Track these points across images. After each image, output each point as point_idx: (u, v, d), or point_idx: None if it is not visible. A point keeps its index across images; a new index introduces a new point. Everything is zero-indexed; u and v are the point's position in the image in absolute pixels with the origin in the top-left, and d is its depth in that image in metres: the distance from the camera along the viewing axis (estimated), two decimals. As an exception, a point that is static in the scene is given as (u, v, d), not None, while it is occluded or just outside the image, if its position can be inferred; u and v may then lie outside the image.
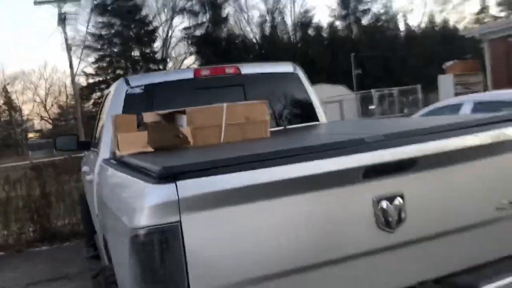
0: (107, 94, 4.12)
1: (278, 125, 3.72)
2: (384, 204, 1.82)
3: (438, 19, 39.09)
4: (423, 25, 37.97)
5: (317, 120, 3.92)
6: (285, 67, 3.93)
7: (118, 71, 32.08)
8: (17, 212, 6.71)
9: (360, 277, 1.85)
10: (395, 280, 1.93)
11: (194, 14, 33.58)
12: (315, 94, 4.01)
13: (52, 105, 47.65)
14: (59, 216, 7.00)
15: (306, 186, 1.72)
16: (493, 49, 15.39)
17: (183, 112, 3.02)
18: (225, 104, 3.11)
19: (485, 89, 15.37)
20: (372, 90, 18.21)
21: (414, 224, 1.88)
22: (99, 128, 4.16)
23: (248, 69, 3.77)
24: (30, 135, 50.63)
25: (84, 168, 4.46)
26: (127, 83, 3.43)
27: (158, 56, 36.21)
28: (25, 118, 50.28)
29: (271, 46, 30.88)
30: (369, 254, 1.84)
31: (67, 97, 44.70)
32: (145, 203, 1.62)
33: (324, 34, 35.57)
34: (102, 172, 2.90)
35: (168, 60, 37.82)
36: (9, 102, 46.94)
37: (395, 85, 22.15)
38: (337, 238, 1.78)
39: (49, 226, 6.80)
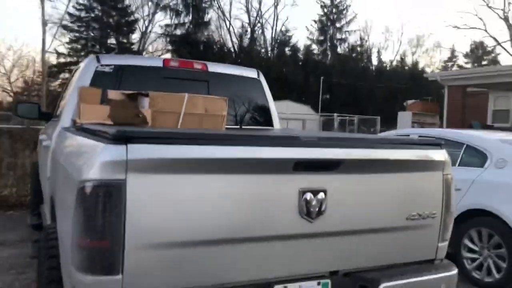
0: (76, 69, 4.25)
1: (235, 124, 3.95)
2: (308, 196, 2.07)
3: (409, 60, 40.76)
4: (394, 63, 39.47)
5: (272, 126, 4.19)
6: (250, 72, 4.18)
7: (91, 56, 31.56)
8: (-36, 175, 6.64)
9: (278, 257, 2.08)
10: (309, 266, 2.18)
11: (177, 13, 33.60)
12: (273, 102, 4.28)
13: (17, 78, 46.12)
14: (7, 185, 6.95)
15: (243, 168, 1.96)
16: (451, 94, 16.27)
17: (147, 95, 3.21)
18: (186, 94, 3.32)
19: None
20: (335, 114, 18.86)
21: (332, 218, 2.13)
22: (63, 100, 4.27)
23: (215, 67, 4.00)
24: (-13, 105, 48.79)
25: (42, 137, 4.55)
26: (98, 60, 3.59)
27: (135, 48, 35.86)
28: (-15, 87, 48.40)
29: (247, 58, 31.22)
30: (289, 238, 2.08)
31: (34, 73, 43.43)
32: (96, 159, 1.81)
33: (300, 55, 36.33)
34: (60, 137, 3.04)
35: (144, 53, 37.48)
36: (-30, 69, 45.16)
37: (359, 114, 22.98)
38: (262, 219, 2.02)
39: (-5, 193, 6.75)
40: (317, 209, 2.10)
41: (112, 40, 34.96)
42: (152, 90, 3.47)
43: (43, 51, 25.22)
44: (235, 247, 1.99)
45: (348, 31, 37.29)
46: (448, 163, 2.48)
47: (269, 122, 4.17)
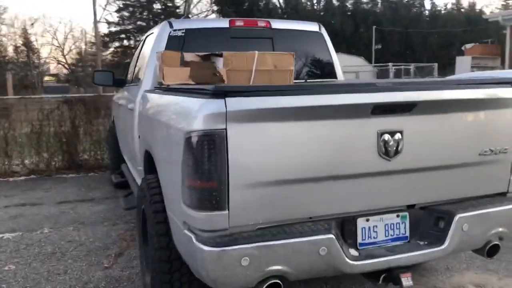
0: (148, 35, 4.54)
1: (299, 78, 4.13)
2: (386, 137, 2.26)
3: (465, 1, 38.46)
4: (449, 6, 37.43)
5: (336, 78, 4.33)
6: (312, 26, 4.30)
7: (140, 23, 32.20)
8: (48, 141, 7.26)
9: (360, 193, 2.31)
10: (389, 201, 2.39)
11: (220, -29, 33.28)
12: (335, 54, 4.40)
13: (70, 50, 47.79)
14: (85, 149, 7.55)
15: (327, 114, 2.17)
16: (515, 35, 15.44)
17: (220, 55, 3.44)
18: (256, 52, 3.52)
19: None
20: (390, 64, 18.43)
21: (408, 156, 2.32)
22: (138, 66, 4.60)
23: (277, 24, 4.15)
24: (46, 78, 51.07)
25: (121, 101, 4.92)
26: (171, 25, 3.84)
27: (180, 11, 36.09)
28: (42, 61, 50.50)
29: (294, 12, 30.71)
30: (369, 175, 2.30)
31: (85, 44, 44.82)
32: (199, 113, 2.07)
33: (348, 5, 35.22)
34: (147, 98, 3.36)
35: (190, 16, 37.66)
36: (27, 43, 47.17)
37: (413, 62, 22.28)
38: (346, 158, 2.24)
39: (76, 156, 7.36)
40: (394, 149, 2.28)
41: (158, 5, 35.36)
42: (220, 50, 3.72)
43: (95, 21, 26.00)
44: (322, 184, 2.23)
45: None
46: (521, 100, 2.57)
47: (333, 74, 4.31)
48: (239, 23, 4.01)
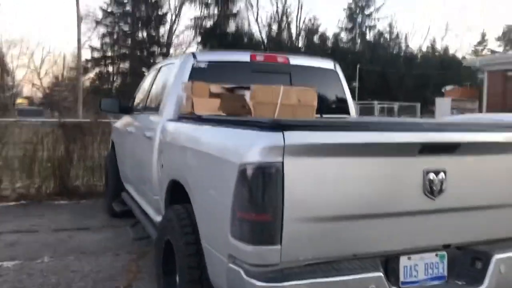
0: (164, 65, 4.56)
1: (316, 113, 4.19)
2: (431, 176, 2.31)
3: (439, 46, 40.10)
4: (424, 48, 38.93)
5: (349, 113, 4.42)
6: (327, 63, 4.42)
7: (123, 50, 32.34)
8: (41, 165, 7.08)
9: (404, 231, 2.34)
10: (429, 239, 2.42)
11: (206, 4, 33.90)
12: (349, 91, 4.51)
13: (46, 73, 47.12)
14: (79, 175, 7.39)
15: (378, 151, 2.21)
16: (491, 79, 16.15)
17: (247, 88, 3.48)
18: (282, 86, 3.59)
19: (480, 116, 16.09)
20: (375, 102, 18.92)
21: (451, 195, 2.37)
22: (152, 95, 4.60)
23: (295, 60, 4.25)
24: (19, 100, 50.08)
25: (130, 129, 4.88)
26: (194, 56, 3.88)
27: (163, 40, 36.45)
28: (16, 83, 49.55)
29: (276, 48, 31.36)
30: (414, 214, 2.33)
31: (63, 68, 44.41)
32: (257, 145, 2.08)
33: (329, 44, 36.23)
34: (177, 128, 3.35)
35: (171, 46, 38.05)
36: (2, 64, 46.32)
37: (390, 101, 22.88)
38: (394, 196, 2.27)
39: (69, 182, 7.19)
40: (438, 188, 2.33)
41: (141, 34, 35.61)
42: (241, 83, 3.77)
43: (79, 46, 25.94)
44: (370, 221, 2.25)
45: (376, 18, 36.95)
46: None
47: (346, 110, 4.40)
48: (260, 57, 4.08)
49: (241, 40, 32.07)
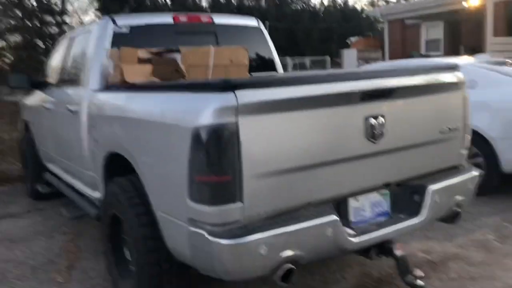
0: (79, 34, 4.27)
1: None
2: (372, 121, 2.46)
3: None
4: (325, 3, 39.90)
5: (276, 70, 4.48)
6: (251, 21, 4.41)
7: (13, 22, 29.40)
8: None
9: (350, 175, 2.48)
10: (372, 180, 2.60)
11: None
12: (274, 47, 4.55)
13: None
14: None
15: (324, 103, 2.29)
16: (391, 28, 17.11)
17: (177, 51, 3.39)
18: (212, 47, 3.53)
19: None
20: (288, 58, 19.26)
21: (389, 138, 2.54)
22: (69, 66, 4.31)
23: (219, 19, 4.18)
24: None
25: (48, 105, 4.55)
26: (114, 21, 3.66)
27: (57, 8, 33.64)
28: None
29: (182, 9, 30.39)
30: (359, 158, 2.47)
31: None
32: (209, 107, 2.07)
33: (233, 2, 35.85)
34: (109, 98, 3.19)
35: (67, 13, 35.33)
36: None
37: (298, 56, 23.40)
38: (340, 143, 2.39)
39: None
40: (378, 132, 2.48)
41: (32, 2, 32.55)
42: (166, 46, 3.65)
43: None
44: (320, 169, 2.35)
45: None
46: (465, 83, 2.94)
47: (273, 67, 4.45)
48: (183, 18, 3.96)
49: (143, 4, 30.58)
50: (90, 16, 37.18)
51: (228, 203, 2.11)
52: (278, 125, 2.18)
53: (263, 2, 35.93)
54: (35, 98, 5.23)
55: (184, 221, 2.27)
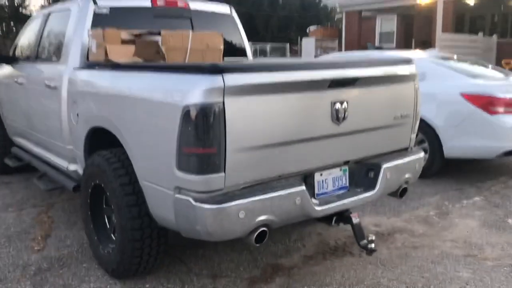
0: (57, 11, 4.36)
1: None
2: (337, 106, 2.81)
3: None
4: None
5: (246, 56, 4.77)
6: (224, 8, 4.66)
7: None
8: None
9: (317, 152, 2.83)
10: (334, 158, 2.96)
11: None
12: (244, 34, 4.82)
13: None
14: None
15: (297, 88, 2.61)
16: (348, 19, 17.68)
17: (157, 34, 3.60)
18: (190, 31, 3.77)
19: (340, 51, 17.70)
20: (249, 43, 19.47)
21: (350, 121, 2.90)
22: (45, 43, 4.40)
23: (195, 5, 4.40)
24: None
25: (20, 80, 4.62)
26: (95, 2, 3.81)
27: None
28: None
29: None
30: (324, 138, 2.82)
31: None
32: (199, 87, 2.34)
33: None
34: (94, 76, 3.37)
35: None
36: None
37: (258, 42, 23.67)
38: (310, 124, 2.72)
39: None
40: (342, 115, 2.84)
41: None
42: (144, 28, 3.85)
43: None
44: (291, 147, 2.68)
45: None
46: (417, 76, 3.35)
47: (244, 53, 4.73)
48: (161, 2, 4.15)
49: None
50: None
51: (212, 173, 2.40)
52: (257, 106, 2.48)
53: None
54: (4, 72, 5.25)
55: (170, 189, 2.54)
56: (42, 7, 29.40)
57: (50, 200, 4.87)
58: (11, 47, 5.46)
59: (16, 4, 29.68)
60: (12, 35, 28.68)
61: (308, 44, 18.35)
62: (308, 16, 33.44)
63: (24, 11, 29.53)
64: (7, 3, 30.41)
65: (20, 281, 3.18)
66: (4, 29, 29.90)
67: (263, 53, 20.62)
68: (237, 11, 4.85)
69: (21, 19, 28.12)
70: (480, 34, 14.74)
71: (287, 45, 21.88)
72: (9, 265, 3.43)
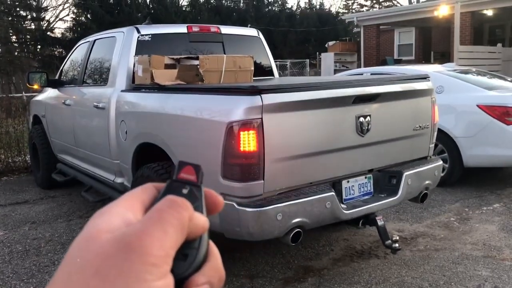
0: (99, 39, 4.82)
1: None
2: (361, 119, 3.13)
3: (315, 2, 42.34)
4: (302, 5, 40.83)
5: (273, 75, 5.14)
6: (252, 31, 5.05)
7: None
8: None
9: (343, 162, 3.15)
10: (360, 166, 3.28)
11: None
12: (271, 55, 5.20)
13: None
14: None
15: (325, 104, 2.95)
16: (366, 33, 17.98)
17: (196, 58, 4.00)
18: (225, 55, 4.16)
19: (359, 66, 17.99)
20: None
21: (373, 133, 3.22)
22: (90, 68, 4.85)
23: (225, 29, 4.80)
24: None
25: (68, 101, 5.07)
26: (138, 31, 4.24)
27: (33, 2, 33.40)
28: None
29: (161, 8, 30.69)
30: (351, 148, 3.15)
31: None
32: (241, 106, 2.70)
33: (213, 2, 36.33)
34: (142, 98, 3.77)
35: (43, 9, 35.11)
36: None
37: (276, 58, 24.04)
38: (337, 136, 3.05)
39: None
40: (366, 128, 3.17)
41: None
42: (181, 53, 4.26)
43: None
44: (321, 156, 3.01)
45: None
46: (433, 90, 3.66)
47: (271, 72, 5.11)
48: (196, 29, 4.56)
49: (124, 1, 30.70)
50: (66, 11, 37.03)
51: (253, 180, 2.74)
52: (291, 121, 2.83)
53: (241, 3, 36.56)
54: (51, 95, 5.73)
55: (215, 196, 2.89)
56: (67, 29, 30.48)
57: (93, 211, 5.23)
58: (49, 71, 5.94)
59: (43, 28, 30.87)
60: (38, 57, 29.86)
61: (327, 59, 18.69)
62: (325, 31, 33.89)
63: (51, 34, 30.68)
64: (33, 27, 31.70)
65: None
66: (32, 51, 31.08)
67: (282, 68, 21.05)
68: (255, 28, 5.21)
69: (48, 42, 29.25)
70: (499, 45, 14.85)
71: (307, 61, 22.28)
72: (66, 268, 3.81)
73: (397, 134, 3.42)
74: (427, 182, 3.58)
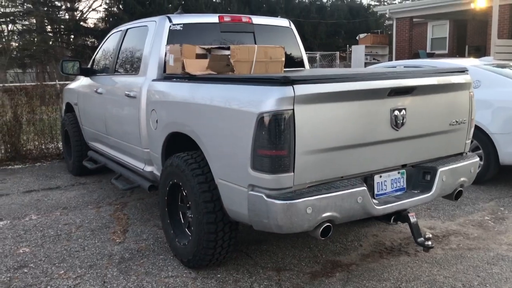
0: (131, 28, 4.83)
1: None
2: (396, 112, 3.04)
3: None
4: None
5: (304, 67, 5.06)
6: (283, 22, 4.97)
7: (27, 4, 29.85)
8: (-9, 132, 7.00)
9: (377, 156, 3.07)
10: (393, 161, 3.19)
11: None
12: (302, 46, 5.12)
13: None
14: (29, 139, 7.40)
15: (359, 96, 2.87)
16: (399, 26, 17.60)
17: (225, 48, 3.96)
18: (256, 45, 4.10)
19: (390, 59, 17.65)
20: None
21: (408, 127, 3.12)
22: (122, 57, 4.88)
23: (257, 20, 4.74)
24: None
25: (100, 90, 5.12)
26: (170, 20, 4.23)
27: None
28: None
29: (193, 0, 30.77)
30: (384, 142, 3.06)
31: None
32: (272, 96, 2.65)
33: (243, -7, 36.20)
34: (174, 87, 3.76)
35: (75, 0, 35.73)
36: None
37: (306, 50, 23.77)
38: (371, 129, 2.97)
39: (20, 147, 7.19)
40: (401, 121, 3.07)
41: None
42: (212, 43, 4.23)
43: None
44: (353, 150, 2.94)
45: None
46: (472, 84, 3.52)
47: (302, 64, 5.03)
48: (227, 18, 4.52)
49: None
50: (98, 2, 37.49)
51: (283, 172, 2.69)
52: (323, 112, 2.76)
53: (272, -5, 36.26)
54: (83, 83, 5.81)
55: (244, 187, 2.86)
56: (100, 20, 30.91)
57: (122, 199, 5.34)
58: (83, 60, 6.02)
59: (77, 18, 31.38)
60: (71, 47, 30.43)
61: (358, 51, 18.39)
62: (356, 23, 33.34)
63: (84, 24, 31.16)
64: (67, 17, 32.26)
65: (108, 268, 3.59)
66: (65, 41, 31.66)
67: (311, 60, 20.83)
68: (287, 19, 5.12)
69: (81, 31, 29.74)
70: (539, 39, 14.29)
71: (337, 54, 21.98)
72: (96, 254, 3.86)
73: (432, 129, 3.31)
74: (462, 179, 3.46)
